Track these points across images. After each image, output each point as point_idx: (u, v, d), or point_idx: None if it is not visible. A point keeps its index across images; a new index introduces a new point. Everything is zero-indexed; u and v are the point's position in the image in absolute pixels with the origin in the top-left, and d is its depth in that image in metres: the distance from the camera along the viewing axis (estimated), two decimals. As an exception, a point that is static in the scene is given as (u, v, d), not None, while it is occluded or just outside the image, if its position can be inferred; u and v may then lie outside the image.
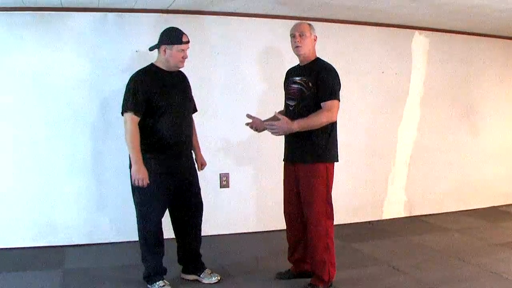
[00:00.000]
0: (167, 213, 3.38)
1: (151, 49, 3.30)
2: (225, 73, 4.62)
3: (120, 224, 4.32)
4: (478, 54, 5.65)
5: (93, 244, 4.28)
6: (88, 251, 4.15)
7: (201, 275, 3.44)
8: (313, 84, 3.18)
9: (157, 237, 3.28)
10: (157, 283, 3.24)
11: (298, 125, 3.12)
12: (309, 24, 3.33)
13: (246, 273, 3.63)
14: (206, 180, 4.34)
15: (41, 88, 4.14)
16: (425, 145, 5.42)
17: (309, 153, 3.18)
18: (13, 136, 4.10)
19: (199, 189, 3.44)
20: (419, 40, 5.32)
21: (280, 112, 3.52)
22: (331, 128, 3.20)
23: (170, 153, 3.22)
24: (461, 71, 5.57)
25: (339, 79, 3.25)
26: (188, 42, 3.24)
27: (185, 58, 3.26)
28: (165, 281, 3.28)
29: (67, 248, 4.17)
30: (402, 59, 5.26)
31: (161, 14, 4.32)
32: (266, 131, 3.39)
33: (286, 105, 3.39)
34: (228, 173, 4.67)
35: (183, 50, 3.22)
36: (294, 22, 4.63)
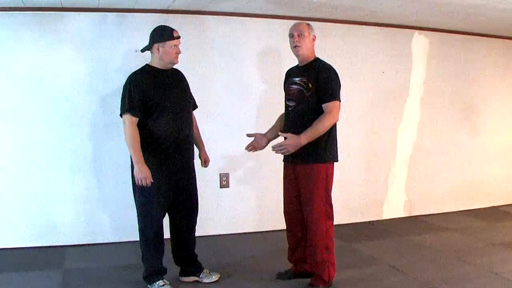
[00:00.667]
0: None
1: (143, 50, 3.31)
2: (225, 73, 4.62)
3: (120, 224, 4.32)
4: (478, 54, 5.65)
5: (93, 244, 4.28)
6: (88, 251, 4.15)
7: (200, 276, 3.44)
8: (312, 85, 3.18)
9: (158, 237, 3.27)
10: (157, 282, 3.24)
11: (305, 137, 3.10)
12: (308, 24, 3.33)
13: (246, 273, 3.63)
14: (206, 180, 4.34)
15: (40, 88, 4.14)
16: (425, 145, 5.42)
17: (309, 154, 3.17)
18: (12, 136, 4.11)
19: (196, 190, 3.43)
20: (419, 40, 5.33)
21: (280, 117, 3.52)
22: (330, 128, 3.20)
23: (170, 152, 3.22)
24: (461, 71, 5.57)
25: (339, 79, 3.25)
26: (179, 37, 3.25)
27: (179, 53, 3.26)
28: (165, 280, 3.27)
29: (67, 248, 4.17)
30: (402, 59, 5.26)
31: (161, 14, 4.32)
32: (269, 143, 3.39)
33: (286, 106, 3.38)
34: (228, 173, 4.67)
35: (175, 45, 3.22)
36: (294, 22, 4.67)
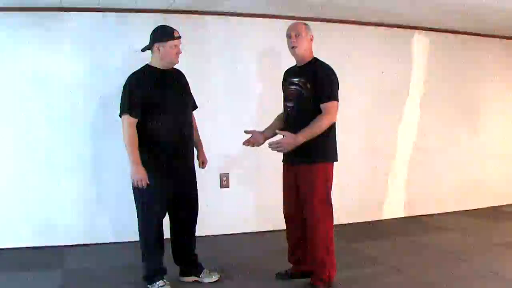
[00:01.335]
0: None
1: (143, 50, 3.30)
2: (225, 72, 4.62)
3: (120, 224, 4.32)
4: (478, 54, 5.65)
5: (93, 244, 4.27)
6: (88, 251, 4.15)
7: (200, 276, 3.43)
8: (311, 85, 3.17)
9: (158, 237, 3.27)
10: (157, 283, 3.24)
11: (303, 136, 3.09)
12: (306, 24, 3.32)
13: (246, 273, 3.63)
14: (206, 180, 4.33)
15: (40, 88, 4.14)
16: (425, 145, 5.42)
17: (308, 154, 3.17)
18: (12, 136, 4.10)
19: (196, 190, 3.43)
20: (419, 40, 5.33)
21: (278, 116, 3.52)
22: (329, 129, 3.19)
23: (170, 153, 3.21)
24: (461, 71, 5.57)
25: (337, 79, 3.24)
26: (180, 37, 3.25)
27: (179, 53, 3.26)
28: (165, 281, 3.27)
29: (67, 248, 4.17)
30: (402, 59, 5.26)
31: (161, 14, 4.32)
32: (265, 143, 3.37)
33: (285, 107, 3.38)
34: (228, 173, 4.67)
35: (176, 45, 3.22)
36: (294, 22, 4.67)
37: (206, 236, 4.30)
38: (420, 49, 5.34)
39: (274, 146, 3.14)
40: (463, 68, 5.58)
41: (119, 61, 4.27)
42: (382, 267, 3.77)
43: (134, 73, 3.24)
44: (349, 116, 5.01)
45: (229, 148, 4.59)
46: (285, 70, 3.48)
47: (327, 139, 3.20)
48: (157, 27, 3.29)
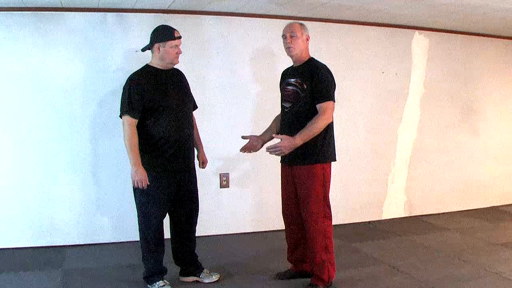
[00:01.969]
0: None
1: (143, 49, 3.30)
2: (225, 72, 4.62)
3: (120, 224, 4.32)
4: (478, 54, 5.65)
5: (93, 244, 4.27)
6: (88, 251, 4.15)
7: (200, 276, 3.43)
8: (307, 86, 3.17)
9: (158, 237, 3.27)
10: (157, 283, 3.24)
11: (300, 138, 3.09)
12: (301, 24, 3.31)
13: (246, 273, 3.63)
14: (206, 180, 4.34)
15: (40, 88, 4.13)
16: (425, 145, 5.42)
17: (305, 154, 3.17)
18: (12, 136, 4.10)
19: (197, 190, 3.43)
20: (419, 40, 5.33)
21: (276, 118, 3.52)
22: (326, 129, 3.18)
23: (170, 153, 3.21)
24: (461, 71, 5.58)
25: (333, 79, 3.24)
26: (180, 37, 3.25)
27: (179, 53, 3.26)
28: (165, 281, 3.27)
29: (67, 248, 4.17)
30: (402, 59, 5.26)
31: (161, 14, 4.32)
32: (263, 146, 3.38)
33: (282, 107, 3.38)
34: (228, 173, 4.67)
35: (176, 45, 3.22)
36: (290, 22, 4.67)
37: (206, 236, 4.30)
38: (420, 49, 5.34)
39: (272, 150, 3.14)
40: (463, 68, 5.58)
41: (119, 61, 4.27)
42: (382, 267, 3.77)
43: (134, 74, 3.23)
44: (349, 116, 5.02)
45: (229, 148, 4.58)
46: (283, 70, 3.48)
47: (324, 139, 3.19)
48: (157, 27, 3.29)
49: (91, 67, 4.23)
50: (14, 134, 4.11)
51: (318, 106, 3.14)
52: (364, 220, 5.13)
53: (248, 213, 4.77)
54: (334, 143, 3.30)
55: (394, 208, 5.32)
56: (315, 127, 3.10)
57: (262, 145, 3.44)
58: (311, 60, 3.30)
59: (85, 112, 4.24)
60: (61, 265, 3.79)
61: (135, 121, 3.13)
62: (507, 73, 5.86)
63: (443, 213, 5.48)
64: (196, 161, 3.52)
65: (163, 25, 3.33)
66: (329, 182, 3.26)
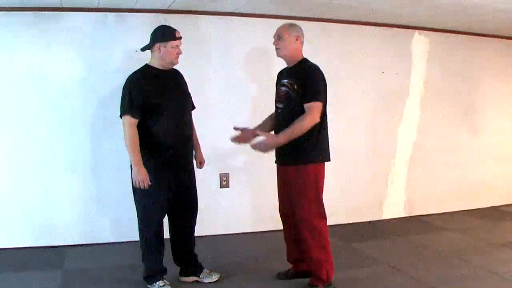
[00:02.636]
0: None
1: (143, 49, 3.29)
2: (225, 73, 4.62)
3: (120, 224, 4.32)
4: (478, 54, 5.65)
5: (93, 244, 4.27)
6: (88, 251, 4.15)
7: (200, 276, 3.43)
8: (298, 86, 3.16)
9: (158, 237, 3.27)
10: (157, 283, 3.24)
11: (283, 136, 3.11)
12: (290, 25, 3.29)
13: (246, 273, 3.63)
14: (206, 180, 4.34)
15: (40, 88, 4.13)
16: (425, 145, 5.42)
17: (297, 155, 3.17)
18: (12, 136, 4.10)
19: (196, 190, 3.43)
20: (419, 40, 5.32)
21: (270, 115, 3.51)
22: (318, 129, 3.17)
23: (170, 153, 3.21)
24: (461, 71, 5.58)
25: (322, 80, 3.21)
26: (181, 37, 3.25)
27: (180, 54, 3.25)
28: (165, 281, 3.27)
29: (67, 248, 4.17)
30: (402, 59, 5.26)
31: (161, 14, 4.32)
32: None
33: (276, 108, 3.38)
34: (228, 173, 4.67)
35: (177, 46, 3.22)
36: (294, 22, 4.66)
37: (206, 236, 4.30)
38: (420, 49, 5.34)
39: (256, 148, 3.15)
40: (463, 68, 5.58)
41: (119, 61, 4.27)
42: (382, 267, 3.77)
43: (134, 73, 3.23)
44: (349, 116, 5.03)
45: (229, 149, 4.58)
46: (279, 71, 3.47)
47: (317, 140, 3.18)
48: (158, 27, 3.28)
49: (91, 67, 4.23)
50: (14, 134, 4.10)
51: (305, 106, 3.12)
52: (364, 220, 5.13)
53: (248, 213, 4.77)
54: (327, 144, 3.29)
55: (394, 208, 5.32)
56: (299, 126, 3.09)
57: (254, 138, 3.42)
58: (303, 61, 3.28)
59: (85, 112, 4.24)
60: (61, 265, 3.79)
61: (135, 121, 3.12)
62: (507, 73, 5.86)
63: (443, 213, 5.48)
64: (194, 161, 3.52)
65: (164, 25, 3.33)
66: (322, 182, 3.24)
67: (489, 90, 5.75)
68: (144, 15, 4.30)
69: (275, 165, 3.50)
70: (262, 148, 3.14)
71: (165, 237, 3.34)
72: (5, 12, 4.00)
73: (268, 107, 3.69)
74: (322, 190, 3.26)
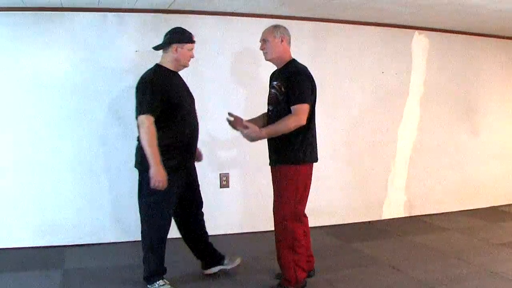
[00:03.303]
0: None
1: (157, 48, 3.27)
2: (226, 73, 4.62)
3: (120, 224, 4.32)
4: (478, 54, 5.65)
5: (93, 244, 4.27)
6: (88, 251, 4.15)
7: (224, 262, 3.48)
8: (285, 88, 3.15)
9: (164, 238, 3.27)
10: (157, 282, 3.24)
11: (265, 132, 3.13)
12: (275, 27, 3.27)
13: (246, 273, 3.63)
14: (206, 180, 4.34)
15: (40, 88, 4.13)
16: (425, 145, 5.42)
17: (281, 155, 3.18)
18: (12, 136, 4.10)
19: (199, 185, 3.50)
20: (419, 40, 5.33)
21: (263, 114, 3.52)
22: (304, 131, 3.15)
23: (185, 153, 3.23)
24: (461, 71, 5.58)
25: (309, 82, 3.18)
26: (195, 42, 3.27)
27: (192, 57, 3.27)
28: (165, 280, 3.28)
29: (67, 248, 4.17)
30: (402, 59, 5.26)
31: (161, 14, 4.31)
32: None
33: (267, 110, 3.39)
34: (228, 173, 4.67)
35: (192, 49, 3.24)
36: (294, 22, 4.67)
37: (206, 236, 4.30)
38: (420, 49, 5.34)
39: (240, 131, 3.22)
40: (463, 68, 5.58)
41: (119, 61, 4.27)
42: (382, 267, 3.77)
43: (151, 74, 3.19)
44: (349, 116, 5.03)
45: (229, 148, 4.59)
46: (272, 72, 3.46)
47: (302, 141, 3.16)
48: (176, 28, 3.27)
49: (91, 67, 4.22)
50: (14, 134, 4.10)
51: (291, 108, 3.11)
52: (364, 220, 5.13)
53: (248, 213, 4.77)
54: (313, 146, 3.26)
55: (394, 208, 5.32)
56: (283, 125, 3.09)
57: (243, 127, 3.37)
58: (290, 62, 3.26)
59: (85, 112, 4.24)
60: (61, 265, 3.79)
61: (153, 120, 3.08)
62: (507, 73, 5.86)
63: (443, 213, 5.48)
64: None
65: (181, 27, 3.30)
66: (302, 184, 3.21)
67: (489, 90, 5.75)
68: (144, 15, 4.30)
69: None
70: (245, 137, 3.19)
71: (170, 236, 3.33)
72: (5, 12, 4.00)
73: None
74: (305, 191, 3.24)
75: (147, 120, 3.06)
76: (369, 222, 5.14)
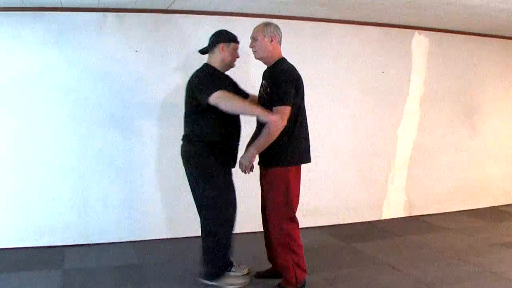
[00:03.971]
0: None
1: (203, 51, 3.32)
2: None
3: (120, 224, 4.31)
4: (478, 54, 5.65)
5: (93, 244, 4.27)
6: (88, 251, 4.14)
7: (232, 270, 3.46)
8: (270, 88, 3.14)
9: (232, 233, 3.33)
10: (230, 273, 3.32)
11: (254, 148, 3.13)
12: (265, 24, 3.23)
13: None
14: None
15: (40, 88, 4.13)
16: (425, 145, 5.42)
17: (270, 158, 3.16)
18: (12, 136, 4.10)
19: None
20: (419, 40, 5.32)
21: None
22: (290, 132, 3.12)
23: (234, 147, 3.30)
24: (461, 71, 5.58)
25: (293, 83, 3.12)
26: (239, 42, 3.34)
27: (238, 58, 3.33)
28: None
29: (67, 248, 4.17)
30: (402, 59, 5.26)
31: (161, 14, 4.31)
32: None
33: None
34: (228, 173, 4.66)
35: (237, 49, 3.30)
36: (294, 22, 4.67)
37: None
38: (420, 49, 5.34)
39: (241, 169, 3.21)
40: (463, 68, 5.58)
41: (119, 61, 4.26)
42: (382, 266, 3.77)
43: (210, 68, 3.26)
44: (349, 116, 5.02)
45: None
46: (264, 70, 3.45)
47: (289, 143, 3.13)
48: (221, 30, 3.35)
49: (91, 67, 4.22)
50: (13, 134, 4.10)
51: (273, 109, 3.08)
52: (364, 220, 5.13)
53: (248, 213, 4.75)
54: (303, 146, 3.23)
55: (394, 208, 5.32)
56: (267, 133, 3.06)
57: None
58: (278, 62, 3.22)
59: (85, 112, 4.24)
60: (61, 265, 3.79)
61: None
62: (507, 73, 5.86)
63: (443, 213, 5.48)
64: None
65: (225, 29, 3.36)
66: (293, 185, 3.20)
67: (489, 90, 5.76)
68: (144, 15, 4.29)
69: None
70: (242, 166, 3.18)
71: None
72: (5, 12, 4.00)
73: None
74: (296, 193, 3.24)
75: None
76: (369, 222, 5.13)
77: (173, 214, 4.44)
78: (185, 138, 3.30)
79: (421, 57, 5.36)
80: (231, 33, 3.30)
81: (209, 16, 4.49)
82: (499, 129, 5.85)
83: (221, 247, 3.28)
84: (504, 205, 5.82)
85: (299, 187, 3.27)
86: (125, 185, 4.29)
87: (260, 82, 3.39)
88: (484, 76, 5.71)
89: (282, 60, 3.24)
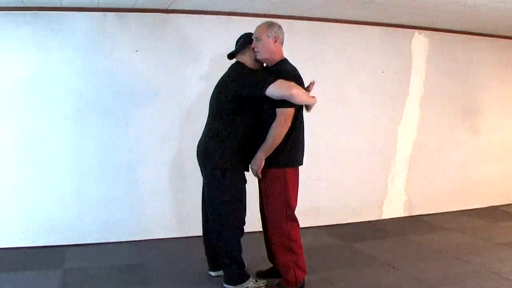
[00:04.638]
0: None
1: (231, 55, 3.37)
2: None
3: (120, 224, 4.31)
4: (478, 54, 5.65)
5: (93, 244, 4.27)
6: (88, 251, 4.14)
7: None
8: None
9: (241, 236, 3.35)
10: (250, 279, 3.31)
11: (261, 152, 3.12)
12: (269, 24, 3.22)
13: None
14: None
15: (40, 88, 4.13)
16: (425, 145, 5.42)
17: (266, 159, 3.14)
18: (12, 136, 4.10)
19: None
20: (419, 40, 5.33)
21: None
22: (289, 133, 3.12)
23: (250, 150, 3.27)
24: (461, 71, 5.58)
25: (296, 83, 3.12)
26: None
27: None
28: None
29: (67, 248, 4.17)
30: (402, 59, 5.26)
31: (161, 14, 4.32)
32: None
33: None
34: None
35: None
36: (294, 21, 4.67)
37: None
38: (420, 49, 5.34)
39: (256, 175, 3.24)
40: (463, 68, 5.58)
41: (119, 61, 4.26)
42: (382, 266, 3.77)
43: (245, 66, 3.27)
44: (349, 116, 5.03)
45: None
46: None
47: (286, 144, 3.13)
48: (245, 34, 3.36)
49: (90, 67, 4.22)
50: (13, 134, 4.10)
51: (277, 110, 3.08)
52: (364, 220, 5.13)
53: (248, 213, 4.75)
54: (299, 147, 3.24)
55: (394, 208, 5.32)
56: (273, 135, 3.07)
57: None
58: (280, 62, 3.22)
59: (85, 111, 4.24)
60: (61, 265, 3.79)
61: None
62: (507, 73, 5.86)
63: (443, 213, 5.48)
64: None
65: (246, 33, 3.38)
66: (291, 185, 3.20)
67: (489, 89, 5.76)
68: (144, 15, 4.29)
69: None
70: (254, 172, 3.21)
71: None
72: (5, 12, 4.00)
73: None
74: (294, 193, 3.24)
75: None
76: (369, 222, 5.13)
77: (174, 214, 4.44)
78: (209, 135, 3.28)
79: (421, 57, 5.36)
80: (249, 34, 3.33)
81: (209, 16, 4.49)
82: (499, 129, 5.85)
83: (238, 249, 3.31)
84: (504, 205, 5.82)
85: (297, 188, 3.28)
86: (125, 185, 4.29)
87: None
88: (484, 76, 5.71)
89: (284, 61, 3.24)
